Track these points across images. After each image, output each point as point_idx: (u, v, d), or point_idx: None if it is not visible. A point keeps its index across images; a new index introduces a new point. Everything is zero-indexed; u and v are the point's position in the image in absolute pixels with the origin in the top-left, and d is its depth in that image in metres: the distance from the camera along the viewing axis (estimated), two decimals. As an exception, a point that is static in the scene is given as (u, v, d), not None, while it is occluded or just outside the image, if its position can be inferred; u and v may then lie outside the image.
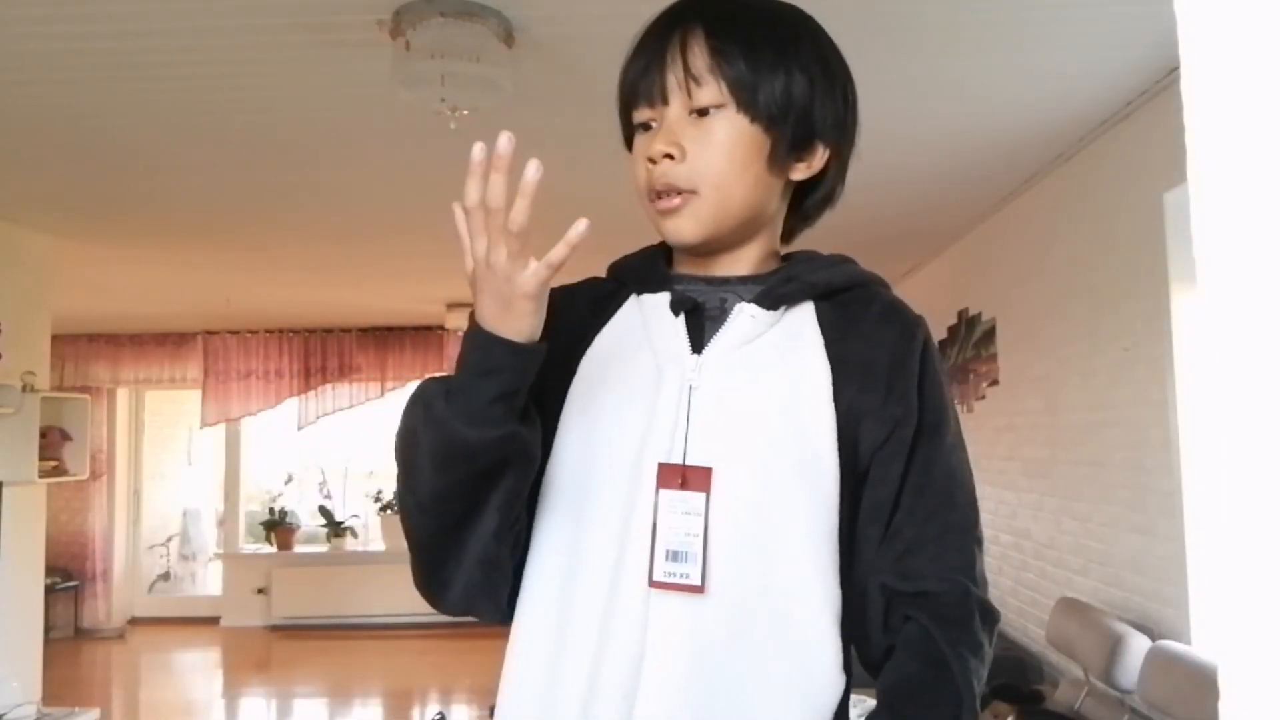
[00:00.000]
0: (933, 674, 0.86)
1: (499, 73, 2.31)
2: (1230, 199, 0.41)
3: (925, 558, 0.88)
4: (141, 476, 8.20)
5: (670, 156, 0.89)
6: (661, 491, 0.86)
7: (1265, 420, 0.39)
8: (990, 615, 0.90)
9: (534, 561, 0.91)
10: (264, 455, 8.53)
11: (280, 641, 7.33)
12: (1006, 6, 2.32)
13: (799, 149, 0.93)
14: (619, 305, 0.97)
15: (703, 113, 0.89)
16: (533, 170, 0.76)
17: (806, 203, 1.00)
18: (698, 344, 0.91)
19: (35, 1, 2.20)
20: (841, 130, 0.96)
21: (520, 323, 0.81)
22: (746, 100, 0.89)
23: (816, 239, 0.98)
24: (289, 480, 8.42)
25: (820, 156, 0.95)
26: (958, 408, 4.86)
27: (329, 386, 7.65)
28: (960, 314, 4.83)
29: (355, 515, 8.10)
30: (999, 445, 4.33)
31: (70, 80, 2.65)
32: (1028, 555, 4.00)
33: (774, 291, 0.92)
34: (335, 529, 7.94)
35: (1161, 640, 2.74)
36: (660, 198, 0.91)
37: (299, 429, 7.70)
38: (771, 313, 0.91)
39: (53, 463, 4.49)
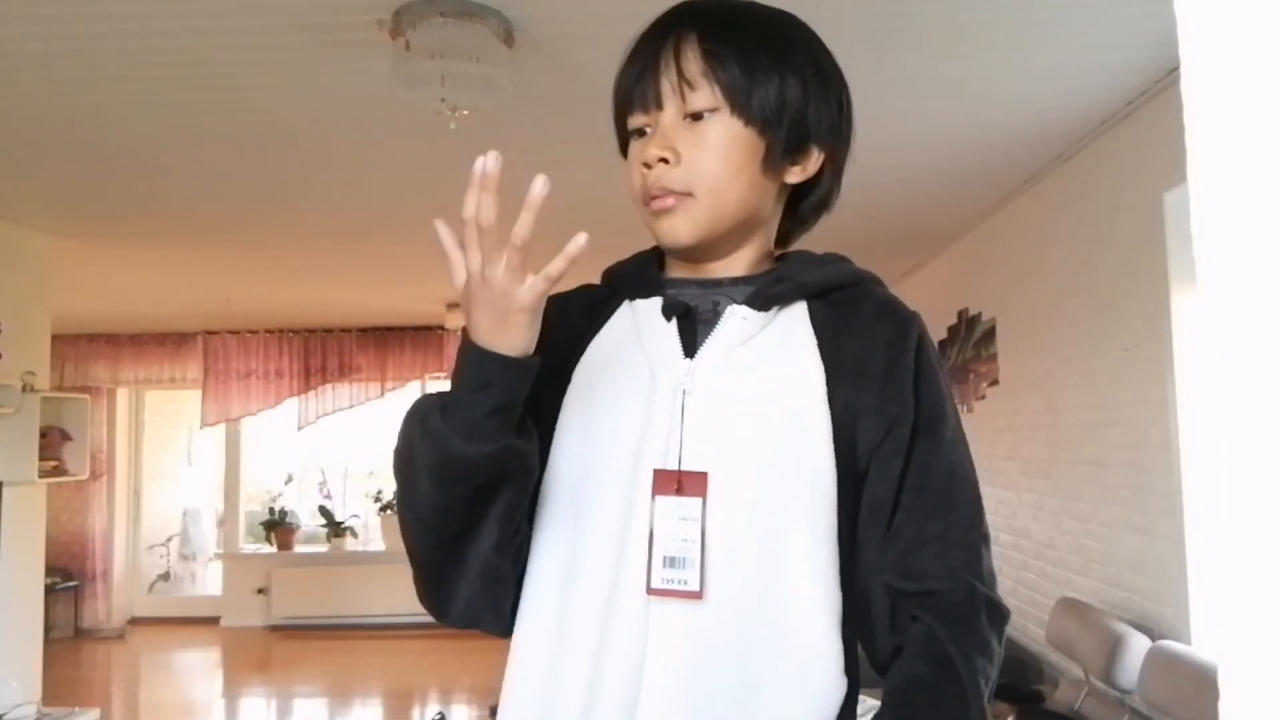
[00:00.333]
0: (938, 675, 0.84)
1: (499, 73, 2.31)
2: (1230, 199, 0.41)
3: (928, 556, 0.87)
4: (141, 476, 8.20)
5: (665, 160, 0.89)
6: (657, 498, 0.86)
7: (1265, 420, 0.39)
8: (998, 613, 0.89)
9: (533, 570, 0.91)
10: (264, 455, 8.53)
11: (280, 641, 7.33)
12: (1006, 6, 2.32)
13: (793, 153, 0.93)
14: (612, 311, 0.97)
15: (697, 117, 0.89)
16: (539, 186, 0.76)
17: (802, 206, 1.00)
18: (691, 348, 0.91)
19: (36, 1, 2.20)
20: (836, 134, 0.96)
21: (515, 336, 0.81)
22: (740, 104, 0.89)
23: (818, 240, 0.98)
24: (289, 480, 8.42)
25: (815, 160, 0.95)
26: (958, 408, 4.89)
27: (329, 386, 7.65)
28: (960, 314, 4.83)
29: (355, 515, 8.10)
30: (999, 445, 4.33)
31: (70, 80, 2.65)
32: (1028, 555, 4.00)
33: (765, 292, 0.92)
34: (335, 529, 7.94)
35: (1161, 640, 2.74)
36: (654, 199, 0.91)
37: (299, 429, 7.70)
38: (764, 314, 0.91)
39: (53, 463, 4.49)
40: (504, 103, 2.44)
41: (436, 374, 7.61)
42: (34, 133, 3.08)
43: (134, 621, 7.91)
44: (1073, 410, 3.51)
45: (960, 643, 0.85)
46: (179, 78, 2.63)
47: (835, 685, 0.86)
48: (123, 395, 8.02)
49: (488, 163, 0.77)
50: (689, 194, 0.89)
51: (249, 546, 8.08)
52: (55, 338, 4.71)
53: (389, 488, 7.49)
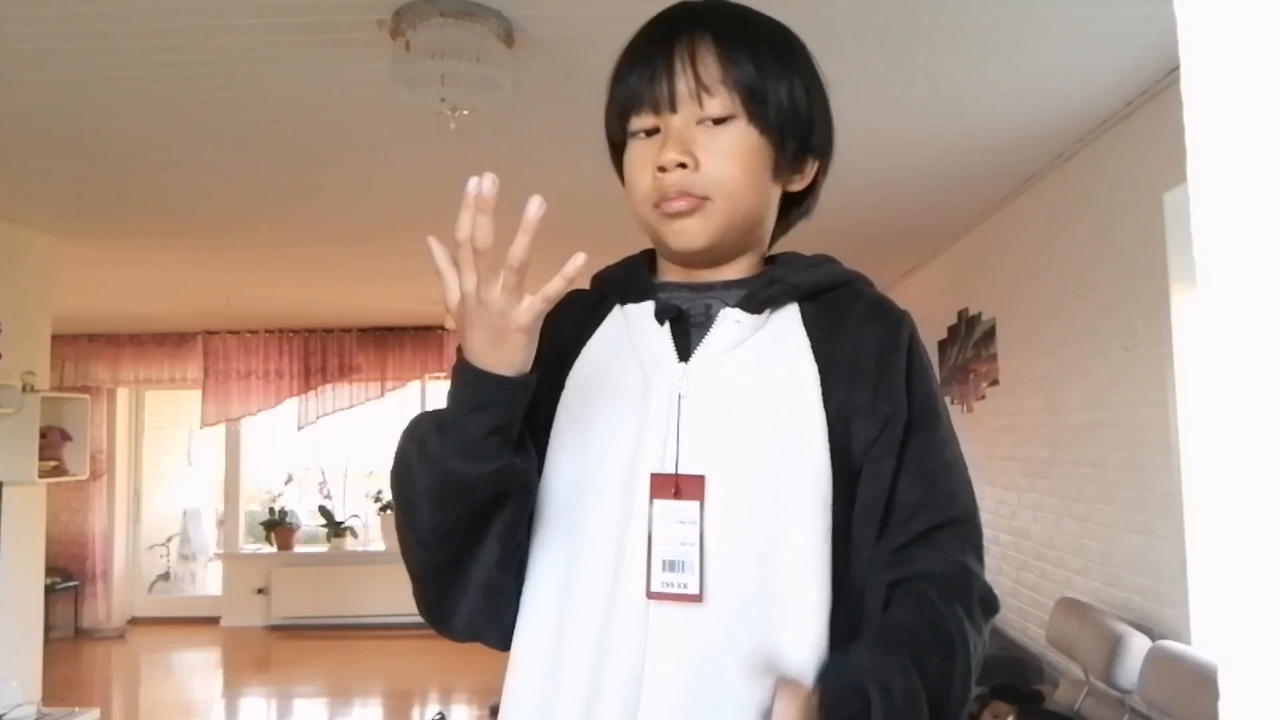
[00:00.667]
0: (925, 625, 0.84)
1: (499, 73, 2.32)
2: (1230, 199, 0.41)
3: (923, 551, 0.88)
4: (141, 476, 8.20)
5: (683, 165, 0.88)
6: (655, 502, 0.86)
7: (1265, 420, 0.39)
8: (989, 601, 0.89)
9: (531, 578, 0.91)
10: (264, 455, 8.53)
11: (280, 641, 7.33)
12: (1006, 6, 2.32)
13: (796, 161, 0.95)
14: (603, 317, 0.97)
15: (715, 122, 0.89)
16: (535, 207, 0.75)
17: (792, 214, 1.01)
18: (684, 351, 0.91)
19: (36, 2, 2.20)
20: (829, 142, 0.97)
21: (512, 356, 0.80)
22: (757, 112, 0.90)
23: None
24: (289, 480, 8.42)
25: (811, 168, 0.97)
26: (958, 408, 4.87)
27: (329, 386, 7.65)
28: (960, 314, 4.83)
29: (355, 515, 8.10)
30: (999, 445, 4.33)
31: (70, 80, 2.65)
32: (1028, 555, 4.00)
33: (757, 295, 0.92)
34: (335, 529, 7.94)
35: (1161, 640, 2.75)
36: (669, 202, 0.90)
37: (299, 429, 7.70)
38: (756, 316, 0.91)
39: (53, 463, 4.49)
40: (504, 103, 2.44)
41: (436, 374, 7.61)
42: (34, 133, 3.08)
43: (134, 621, 7.91)
44: (1073, 410, 3.51)
45: (950, 604, 0.85)
46: (179, 78, 2.63)
47: None
48: (123, 395, 8.03)
49: (484, 185, 0.75)
50: (707, 199, 0.89)
51: (249, 546, 8.08)
52: (55, 338, 4.71)
53: (389, 487, 7.48)
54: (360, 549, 7.96)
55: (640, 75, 0.91)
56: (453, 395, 0.83)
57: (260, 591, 7.67)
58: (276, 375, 7.63)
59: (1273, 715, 0.38)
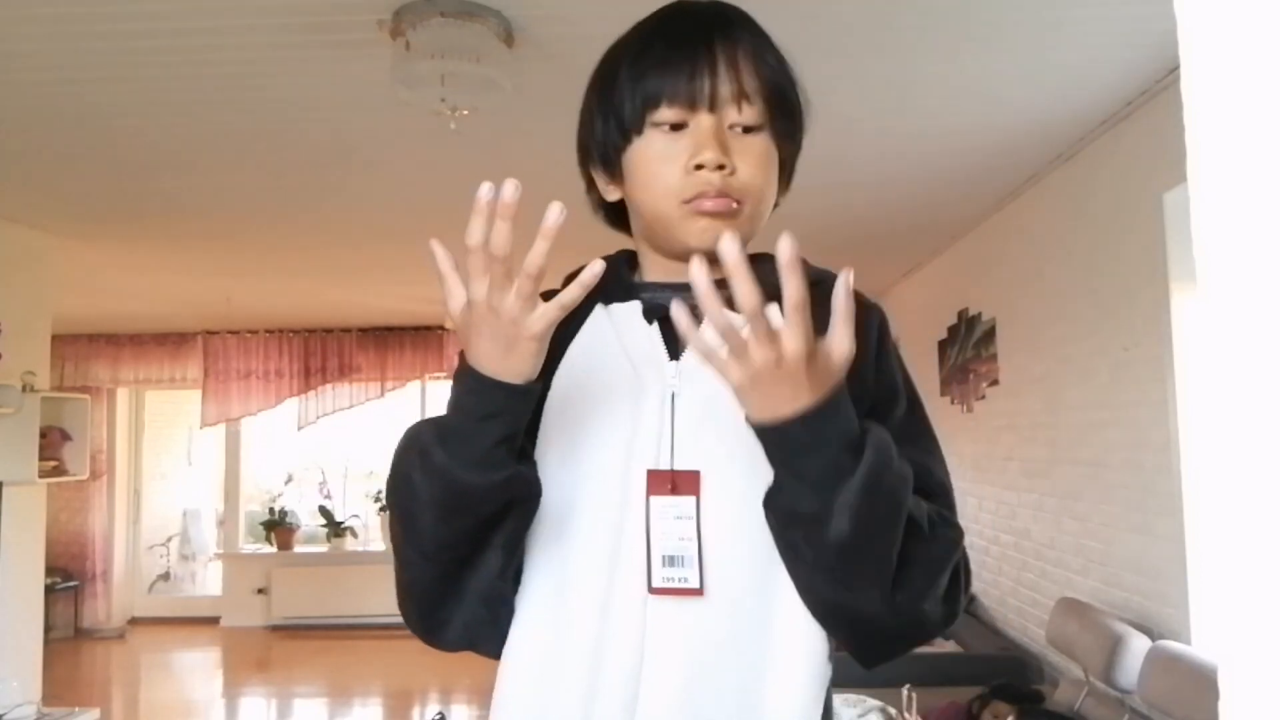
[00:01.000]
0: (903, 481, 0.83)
1: (499, 73, 2.32)
2: (1230, 199, 0.41)
3: None
4: (141, 476, 8.20)
5: (721, 167, 0.88)
6: (652, 498, 0.86)
7: (1265, 420, 0.39)
8: (968, 568, 0.90)
9: (525, 578, 0.91)
10: (264, 455, 8.53)
11: (280, 641, 7.33)
12: (1006, 7, 2.32)
13: (792, 173, 0.97)
14: (585, 316, 0.96)
15: (744, 129, 0.90)
16: (555, 214, 0.74)
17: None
18: (672, 350, 0.91)
19: (35, 2, 2.20)
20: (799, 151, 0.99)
21: (523, 364, 0.80)
22: (781, 128, 0.91)
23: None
24: (289, 480, 8.43)
25: (787, 179, 0.99)
26: (958, 408, 4.87)
27: (329, 386, 7.65)
28: (960, 314, 4.83)
29: (355, 515, 8.10)
30: (999, 445, 4.33)
31: (70, 80, 2.65)
32: (1028, 555, 4.00)
33: None
34: (335, 529, 7.94)
35: (1161, 640, 2.75)
36: (710, 200, 0.89)
37: (299, 429, 7.70)
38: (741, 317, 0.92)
39: (53, 463, 4.49)
40: (504, 103, 2.44)
41: (436, 374, 7.61)
42: (34, 133, 3.08)
43: (134, 621, 7.91)
44: (1073, 410, 3.51)
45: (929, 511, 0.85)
46: (179, 78, 2.64)
47: (824, 670, 0.87)
48: (123, 395, 8.03)
49: (505, 191, 0.73)
50: (740, 204, 0.90)
51: (249, 546, 8.08)
52: (55, 338, 4.71)
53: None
54: (360, 549, 7.96)
55: (677, 68, 0.89)
56: (457, 404, 0.82)
57: (260, 591, 7.67)
58: (276, 375, 7.63)
59: (1273, 715, 0.38)
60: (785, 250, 0.74)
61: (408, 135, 3.11)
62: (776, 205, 0.98)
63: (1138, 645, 2.76)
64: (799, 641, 0.85)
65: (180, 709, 5.90)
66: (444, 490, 0.81)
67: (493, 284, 0.76)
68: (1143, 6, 2.31)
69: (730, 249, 0.74)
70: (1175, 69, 2.30)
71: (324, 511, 7.99)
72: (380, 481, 7.92)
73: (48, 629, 4.81)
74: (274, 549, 7.91)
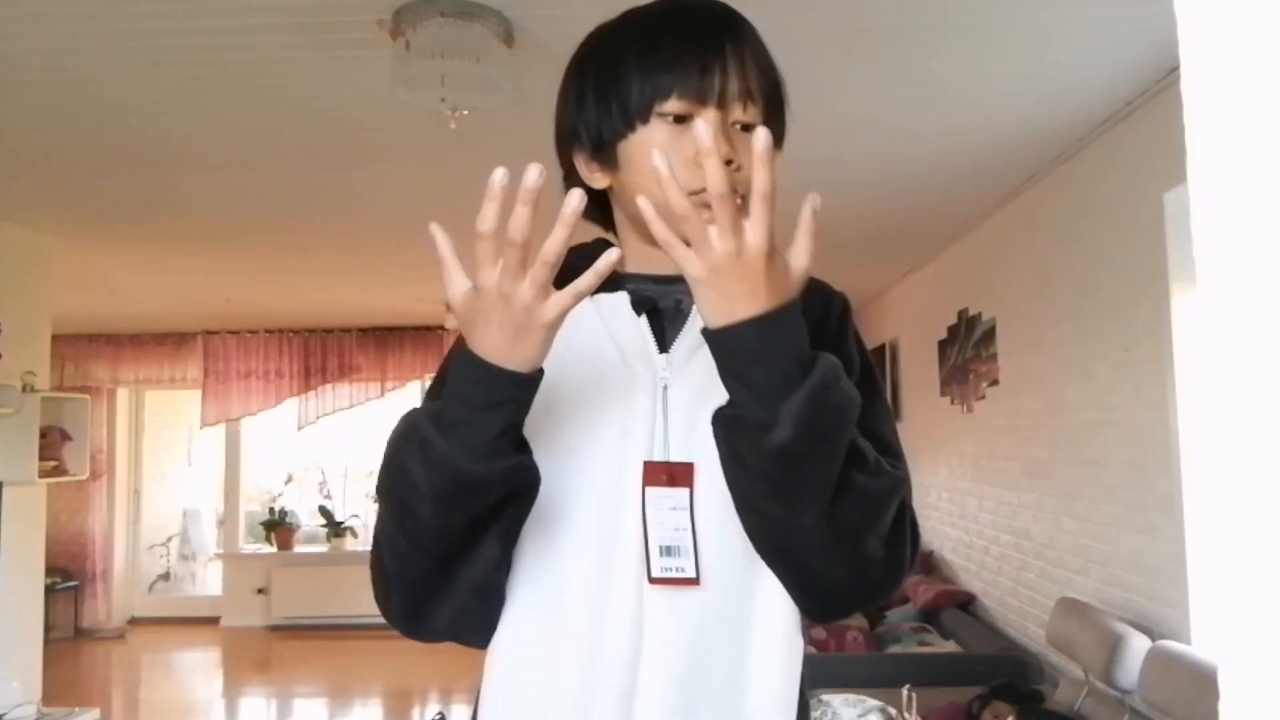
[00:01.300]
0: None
1: (499, 73, 2.32)
2: (1230, 199, 0.41)
3: None
4: (141, 476, 8.20)
5: (729, 162, 0.88)
6: (648, 489, 0.87)
7: (1266, 420, 0.39)
8: (915, 523, 0.90)
9: (516, 568, 0.90)
10: (264, 455, 8.53)
11: (280, 641, 7.33)
12: (1006, 7, 2.32)
13: None
14: None
15: (744, 127, 0.90)
16: (576, 201, 0.74)
17: None
18: (661, 343, 0.92)
19: (35, 2, 2.20)
20: None
21: (532, 352, 0.79)
22: (775, 129, 0.91)
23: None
24: (289, 480, 8.43)
25: None
26: (958, 408, 4.87)
27: (329, 386, 7.65)
28: (960, 314, 4.83)
29: (355, 515, 8.10)
30: (999, 445, 4.33)
31: (69, 81, 2.65)
32: (1028, 555, 4.00)
33: None
34: (335, 529, 7.94)
35: (1161, 640, 2.75)
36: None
37: (299, 429, 7.71)
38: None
39: (53, 463, 4.49)
40: (504, 103, 2.44)
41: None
42: (34, 133, 3.08)
43: (134, 621, 7.91)
44: (1073, 410, 3.51)
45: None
46: (178, 79, 2.64)
47: (799, 649, 0.89)
48: (123, 395, 8.03)
49: (529, 177, 0.73)
50: (743, 198, 0.89)
51: (249, 546, 8.08)
52: (55, 338, 4.71)
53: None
54: (360, 549, 7.95)
55: (690, 62, 0.89)
56: (458, 392, 0.81)
57: (260, 591, 7.67)
58: (276, 375, 7.63)
59: (1273, 715, 0.38)
60: (760, 139, 0.74)
61: (408, 135, 3.11)
62: None
63: (1138, 645, 2.76)
64: (781, 622, 0.88)
65: (180, 709, 5.90)
66: (445, 481, 0.80)
67: (505, 271, 0.75)
68: (1143, 6, 2.31)
69: (705, 132, 0.73)
70: (1175, 69, 2.30)
71: (324, 511, 7.99)
72: (380, 481, 7.94)
73: (48, 629, 4.81)
74: (274, 549, 7.91)
